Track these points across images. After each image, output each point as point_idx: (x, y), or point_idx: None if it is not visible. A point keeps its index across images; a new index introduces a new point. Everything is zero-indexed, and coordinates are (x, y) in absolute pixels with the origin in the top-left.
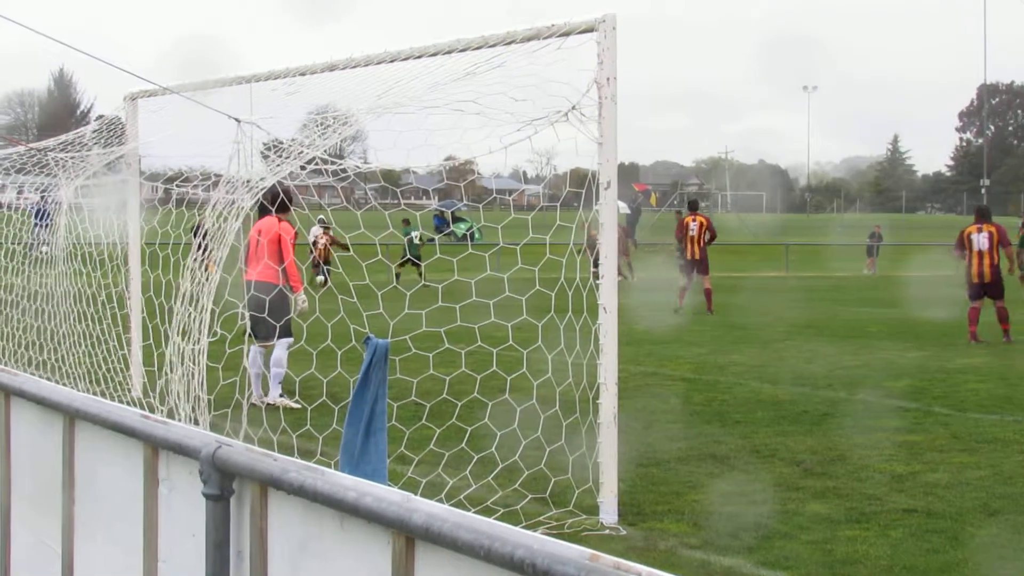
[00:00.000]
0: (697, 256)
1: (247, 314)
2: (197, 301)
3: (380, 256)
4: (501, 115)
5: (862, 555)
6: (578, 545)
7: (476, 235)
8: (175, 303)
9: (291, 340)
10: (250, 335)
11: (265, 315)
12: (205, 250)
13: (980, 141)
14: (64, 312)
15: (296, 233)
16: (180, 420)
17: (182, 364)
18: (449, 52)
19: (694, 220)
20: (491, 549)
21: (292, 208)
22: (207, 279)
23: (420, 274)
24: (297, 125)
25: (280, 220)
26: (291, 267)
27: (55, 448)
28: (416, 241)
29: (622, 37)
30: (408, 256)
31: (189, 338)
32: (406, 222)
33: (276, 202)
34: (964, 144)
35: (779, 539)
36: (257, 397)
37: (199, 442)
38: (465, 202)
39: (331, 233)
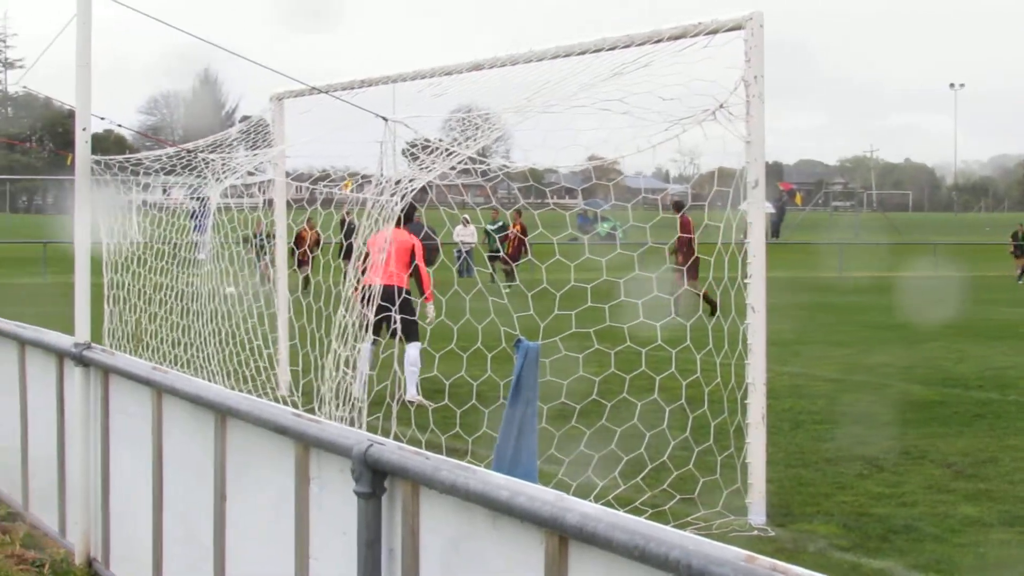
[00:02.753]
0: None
1: (371, 316)
2: (352, 306)
3: (531, 256)
4: (648, 114)
5: (1015, 559)
6: (730, 546)
7: (620, 235)
8: (341, 309)
9: (420, 344)
10: (370, 334)
11: (397, 316)
12: (351, 253)
13: None
14: (211, 311)
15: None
16: (332, 419)
17: (338, 368)
18: (596, 51)
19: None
20: (646, 549)
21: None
22: (358, 283)
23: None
24: (442, 125)
25: (408, 232)
26: (425, 276)
27: (207, 446)
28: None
29: (767, 33)
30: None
31: (346, 343)
32: (495, 211)
33: (408, 214)
34: None
35: (930, 542)
36: (360, 391)
37: (351, 440)
38: (613, 201)
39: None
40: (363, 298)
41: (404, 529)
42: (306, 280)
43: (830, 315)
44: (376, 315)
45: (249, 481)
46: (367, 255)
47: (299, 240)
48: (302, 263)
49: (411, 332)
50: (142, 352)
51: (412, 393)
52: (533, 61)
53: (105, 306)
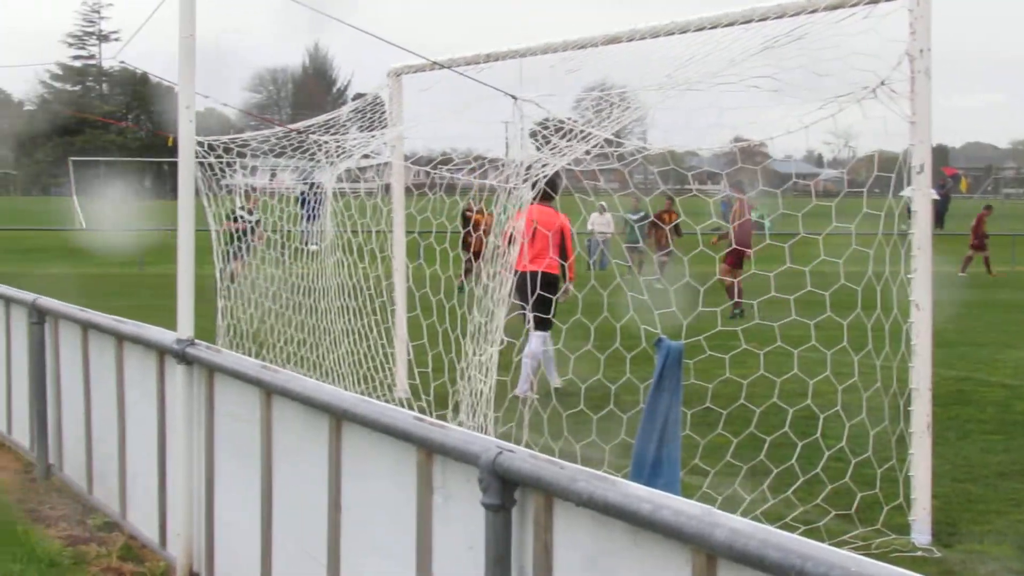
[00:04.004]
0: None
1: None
2: (484, 305)
3: (672, 247)
4: (801, 92)
5: None
6: (898, 568)
7: (768, 224)
8: (474, 308)
9: (547, 334)
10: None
11: (535, 306)
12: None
13: None
14: (326, 305)
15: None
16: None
17: (469, 371)
18: (745, 23)
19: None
20: (803, 570)
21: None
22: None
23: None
24: (573, 103)
25: (553, 209)
26: (572, 261)
27: (320, 451)
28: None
29: (935, 3)
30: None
31: (478, 347)
32: (636, 199)
33: (556, 189)
34: None
35: None
36: (555, 381)
37: (478, 447)
38: (760, 187)
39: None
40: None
41: (536, 544)
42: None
43: (1001, 313)
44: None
45: (366, 490)
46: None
47: (475, 225)
48: (478, 254)
49: (543, 321)
50: (265, 353)
51: (524, 389)
52: (675, 34)
53: (218, 301)
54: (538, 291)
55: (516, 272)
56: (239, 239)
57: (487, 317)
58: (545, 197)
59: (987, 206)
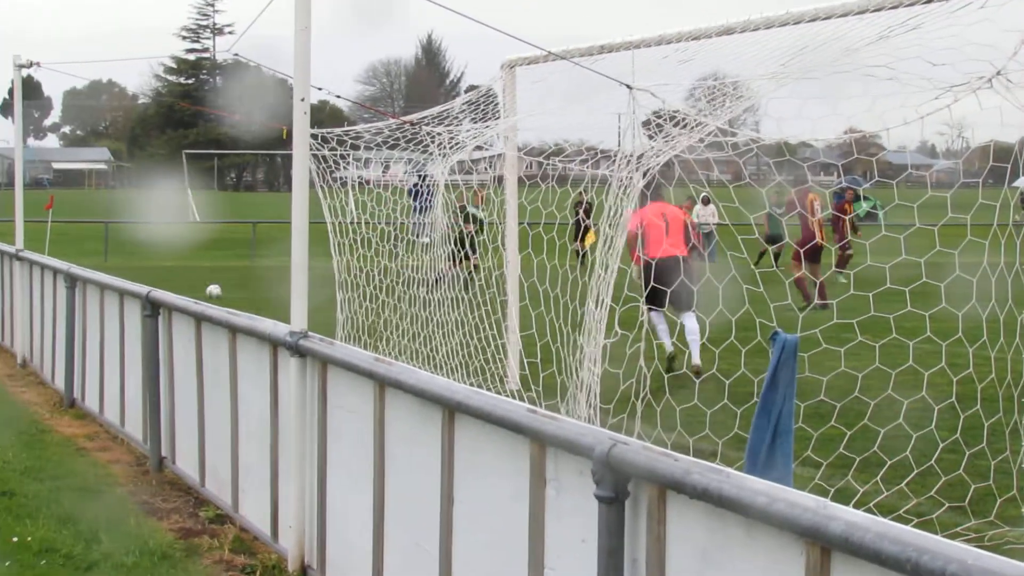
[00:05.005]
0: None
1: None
2: (597, 296)
3: (788, 239)
4: (916, 81)
5: None
6: (1017, 560)
7: (882, 215)
8: (588, 302)
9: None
10: (652, 307)
11: (679, 286)
12: (584, 230)
13: None
14: (439, 298)
15: None
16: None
17: (582, 365)
18: (859, 13)
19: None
20: (919, 563)
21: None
22: (588, 258)
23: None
24: (685, 94)
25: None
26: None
27: (433, 443)
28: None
29: None
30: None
31: (590, 338)
32: (777, 192)
33: (655, 189)
34: None
35: None
36: (669, 345)
37: (592, 440)
38: (876, 178)
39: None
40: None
41: (649, 537)
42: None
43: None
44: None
45: (479, 482)
46: (585, 228)
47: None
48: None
49: (689, 302)
50: (380, 346)
51: (697, 360)
52: (790, 24)
53: (337, 294)
54: (681, 276)
55: (654, 260)
56: (471, 239)
57: (601, 307)
58: (657, 190)
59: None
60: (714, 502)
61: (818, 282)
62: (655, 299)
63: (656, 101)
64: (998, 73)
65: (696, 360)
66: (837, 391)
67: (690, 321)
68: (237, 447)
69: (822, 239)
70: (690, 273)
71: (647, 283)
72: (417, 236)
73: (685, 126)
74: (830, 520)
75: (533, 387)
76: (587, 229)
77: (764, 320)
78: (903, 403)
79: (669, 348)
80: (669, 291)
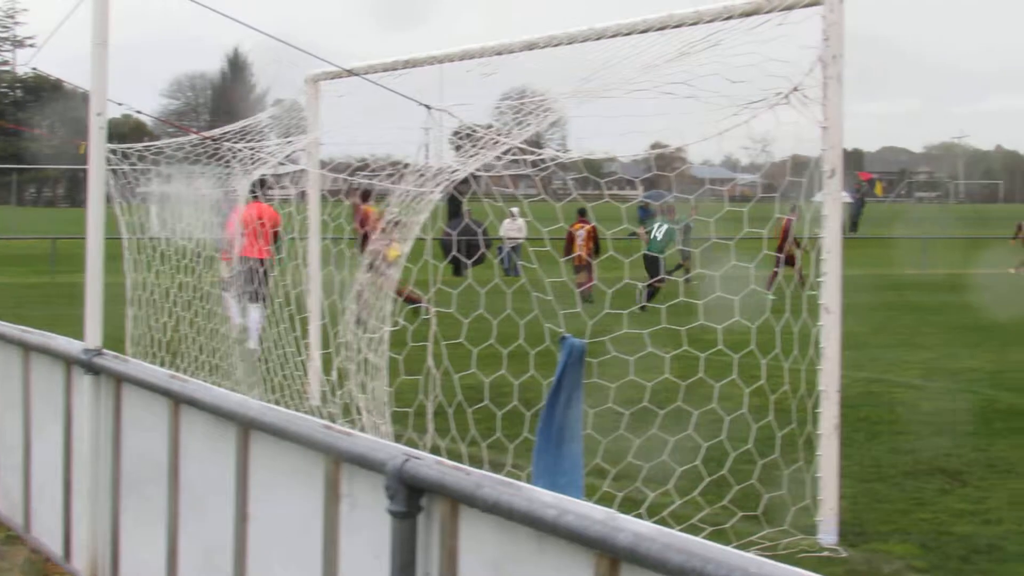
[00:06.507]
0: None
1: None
2: (375, 289)
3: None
4: (716, 98)
5: None
6: (801, 569)
7: (675, 230)
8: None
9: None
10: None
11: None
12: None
13: None
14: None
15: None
16: (362, 429)
17: (360, 366)
18: (660, 29)
19: (581, 228)
20: (704, 572)
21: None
22: (387, 266)
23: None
24: (492, 110)
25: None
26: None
27: (228, 461)
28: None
29: (849, 10)
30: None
31: (364, 327)
32: (672, 208)
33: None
34: None
35: (1016, 563)
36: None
37: (385, 455)
38: (674, 193)
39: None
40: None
41: (442, 551)
42: None
43: (911, 315)
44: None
45: (274, 499)
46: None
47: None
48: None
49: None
50: (178, 363)
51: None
52: (592, 40)
53: (127, 309)
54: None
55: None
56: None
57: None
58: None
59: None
60: (505, 515)
61: (586, 286)
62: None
63: (460, 117)
64: (795, 89)
65: (254, 344)
66: (628, 401)
67: (256, 312)
68: (30, 467)
69: (587, 255)
70: (262, 273)
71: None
72: (218, 251)
73: (488, 143)
74: (618, 531)
75: (334, 403)
76: (389, 243)
77: (552, 325)
78: (694, 413)
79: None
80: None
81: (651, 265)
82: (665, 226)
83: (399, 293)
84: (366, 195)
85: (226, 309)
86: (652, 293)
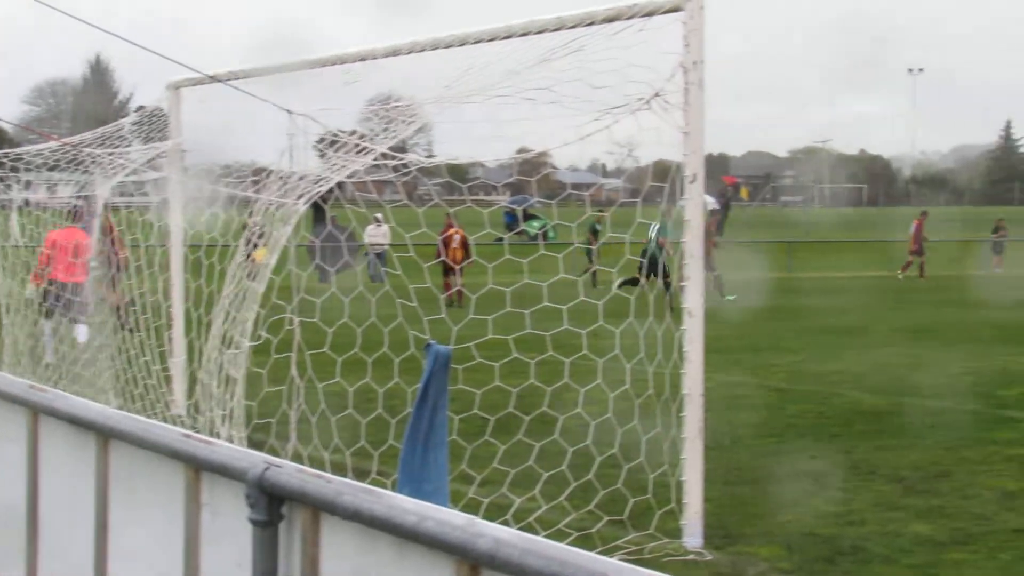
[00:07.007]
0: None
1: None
2: (240, 303)
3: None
4: (578, 103)
5: None
6: (660, 572)
7: (550, 234)
8: (217, 308)
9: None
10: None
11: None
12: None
13: None
14: (100, 321)
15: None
16: (221, 436)
17: (220, 371)
18: (523, 35)
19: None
20: None
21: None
22: (252, 277)
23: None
24: (357, 116)
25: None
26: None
27: (88, 471)
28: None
29: (711, 16)
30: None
31: (228, 342)
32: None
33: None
34: None
35: (879, 563)
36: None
37: (246, 463)
38: (538, 198)
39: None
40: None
41: (304, 559)
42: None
43: (776, 319)
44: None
45: (134, 510)
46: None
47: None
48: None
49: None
50: (43, 371)
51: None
52: (455, 46)
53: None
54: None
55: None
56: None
57: (241, 315)
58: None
59: (923, 211)
60: (366, 522)
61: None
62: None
63: (325, 123)
64: (656, 95)
65: (82, 338)
66: (494, 407)
67: (82, 332)
68: None
69: (459, 260)
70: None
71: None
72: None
73: (352, 149)
74: (478, 537)
75: (202, 413)
76: (256, 247)
77: (417, 332)
78: (560, 418)
79: (50, 358)
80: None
81: (652, 265)
82: (657, 225)
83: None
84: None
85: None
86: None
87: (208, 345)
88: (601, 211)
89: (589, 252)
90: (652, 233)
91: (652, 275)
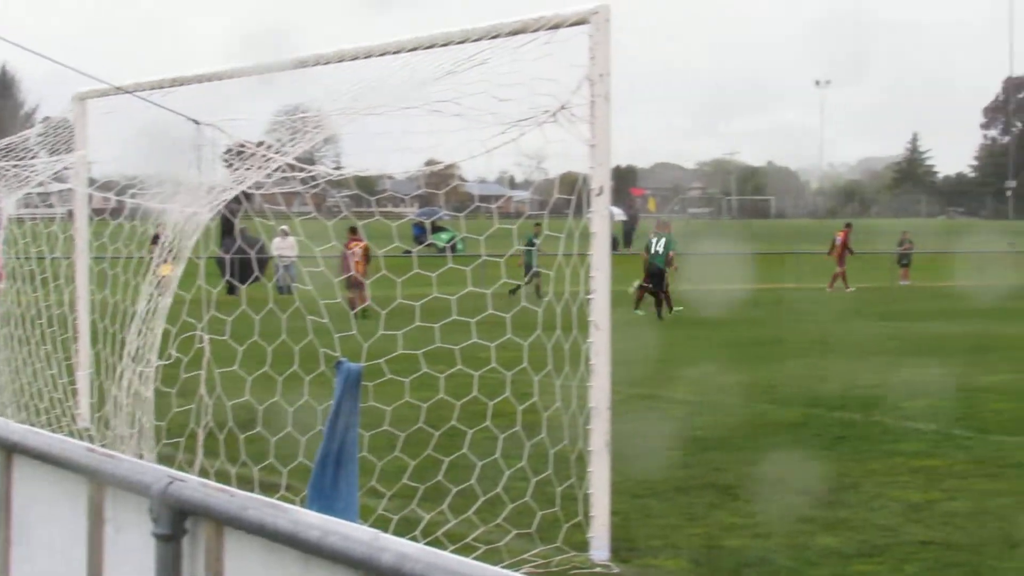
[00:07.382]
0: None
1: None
2: (150, 320)
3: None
4: (484, 116)
5: None
6: None
7: (459, 246)
8: (128, 323)
9: None
10: None
11: None
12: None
13: (1007, 139)
14: (4, 336)
15: None
16: (126, 452)
17: (129, 389)
18: (429, 47)
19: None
20: None
21: None
22: (160, 294)
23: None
24: (265, 127)
25: None
26: None
27: None
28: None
29: (617, 28)
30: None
31: (139, 360)
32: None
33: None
34: (989, 143)
35: (786, 575)
36: None
37: (149, 477)
38: (446, 210)
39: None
40: None
41: (208, 573)
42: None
43: (685, 331)
44: None
45: (37, 524)
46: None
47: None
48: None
49: None
50: None
51: None
52: (360, 58)
53: None
54: None
55: None
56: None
57: (150, 331)
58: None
59: (847, 223)
60: (270, 537)
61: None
62: None
63: (234, 135)
64: (562, 107)
65: None
66: (403, 421)
67: None
68: None
69: (361, 273)
70: None
71: None
72: None
73: (258, 159)
74: (382, 551)
75: (110, 428)
76: (164, 261)
77: (328, 349)
78: (468, 432)
79: None
80: None
81: (655, 277)
82: (664, 239)
83: None
84: None
85: None
86: (659, 303)
87: (122, 362)
88: (538, 224)
89: (528, 265)
90: (659, 248)
91: (647, 286)
